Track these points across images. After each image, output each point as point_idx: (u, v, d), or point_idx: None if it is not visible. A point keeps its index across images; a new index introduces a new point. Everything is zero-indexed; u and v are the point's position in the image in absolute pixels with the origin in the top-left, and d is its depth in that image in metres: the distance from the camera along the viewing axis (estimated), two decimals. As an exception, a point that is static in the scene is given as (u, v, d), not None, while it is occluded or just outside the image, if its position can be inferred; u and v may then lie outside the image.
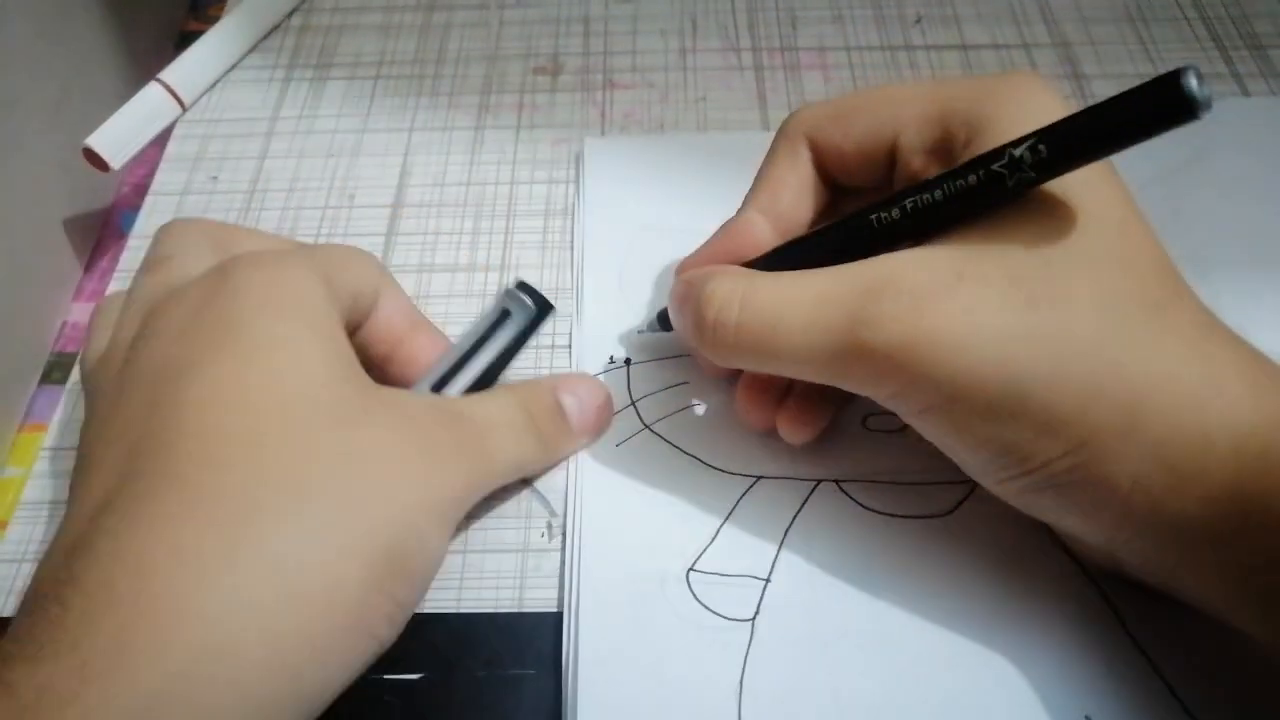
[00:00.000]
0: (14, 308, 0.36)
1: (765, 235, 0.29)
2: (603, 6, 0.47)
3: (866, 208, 0.26)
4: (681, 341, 0.30)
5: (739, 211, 0.30)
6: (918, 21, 0.46)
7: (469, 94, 0.44)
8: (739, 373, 0.31)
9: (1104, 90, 0.41)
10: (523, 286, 0.32)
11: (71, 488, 0.25)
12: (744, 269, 0.28)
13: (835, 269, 0.25)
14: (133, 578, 0.21)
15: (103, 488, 0.23)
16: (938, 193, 0.25)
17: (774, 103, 0.43)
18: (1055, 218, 0.24)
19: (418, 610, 0.29)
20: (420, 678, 0.28)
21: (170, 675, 0.20)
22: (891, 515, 0.30)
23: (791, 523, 0.30)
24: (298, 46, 0.46)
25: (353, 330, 0.29)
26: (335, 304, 0.27)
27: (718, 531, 0.30)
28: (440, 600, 0.29)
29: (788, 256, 0.28)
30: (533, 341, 0.35)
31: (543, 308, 0.32)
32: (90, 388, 0.28)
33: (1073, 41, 0.44)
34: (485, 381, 0.31)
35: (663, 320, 0.32)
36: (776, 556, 0.29)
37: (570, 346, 0.35)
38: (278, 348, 0.25)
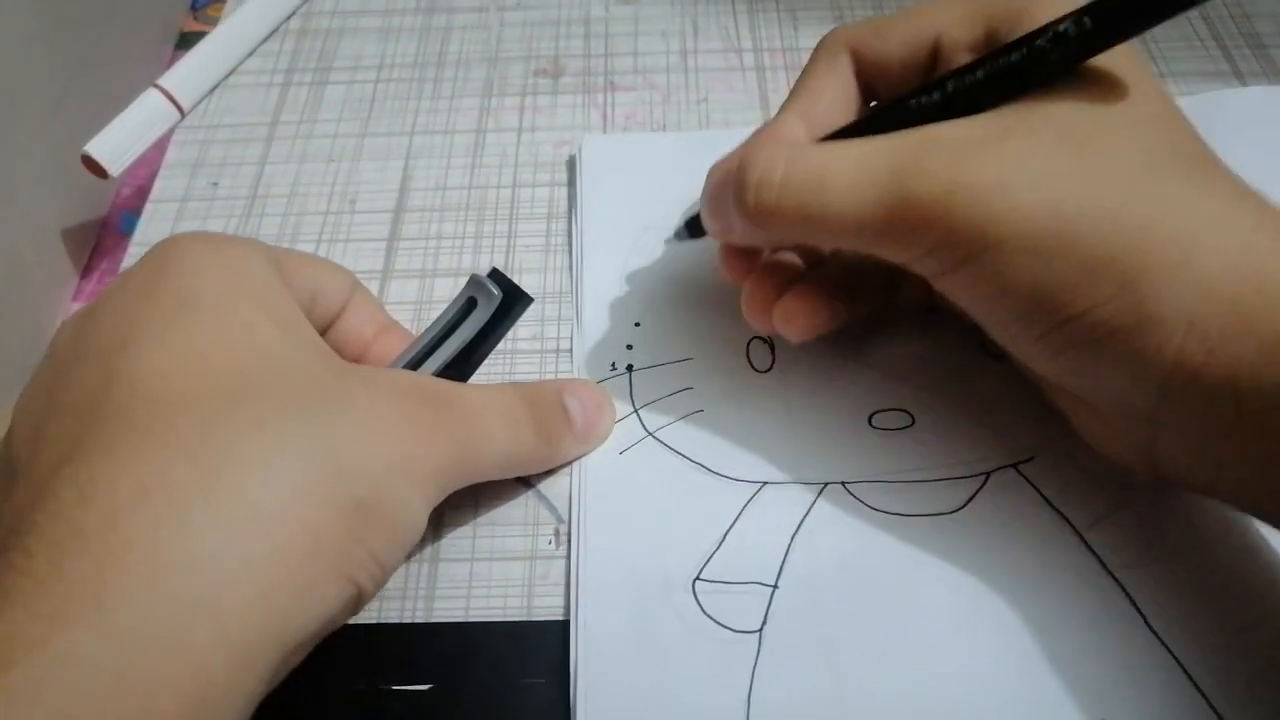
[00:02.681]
0: (13, 309, 0.36)
1: (801, 137, 0.29)
2: (603, 8, 0.47)
3: (907, 93, 0.26)
4: (716, 236, 0.30)
5: (775, 116, 0.30)
6: None
7: (470, 97, 0.43)
8: (763, 275, 0.30)
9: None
10: (493, 274, 0.31)
11: (14, 461, 0.24)
12: (789, 140, 0.28)
13: (881, 135, 0.25)
14: (103, 522, 0.20)
15: (58, 452, 0.22)
16: (980, 72, 0.25)
17: (776, 104, 0.41)
18: (1098, 86, 0.24)
19: (426, 620, 0.29)
20: (429, 688, 0.28)
21: (146, 618, 0.20)
22: (900, 515, 0.29)
23: (798, 527, 0.29)
24: (296, 50, 0.46)
25: (320, 332, 0.29)
26: (289, 292, 0.27)
27: (723, 538, 0.29)
28: (449, 609, 0.29)
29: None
30: (536, 345, 0.35)
31: (512, 296, 0.31)
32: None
33: (1075, 40, 0.44)
34: (457, 373, 0.30)
35: (691, 228, 0.32)
36: (784, 562, 0.29)
37: (571, 351, 0.35)
38: (233, 321, 0.25)
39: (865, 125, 0.27)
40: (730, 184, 0.27)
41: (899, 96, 0.26)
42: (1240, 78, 0.42)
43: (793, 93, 0.30)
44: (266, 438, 0.22)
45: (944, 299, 0.31)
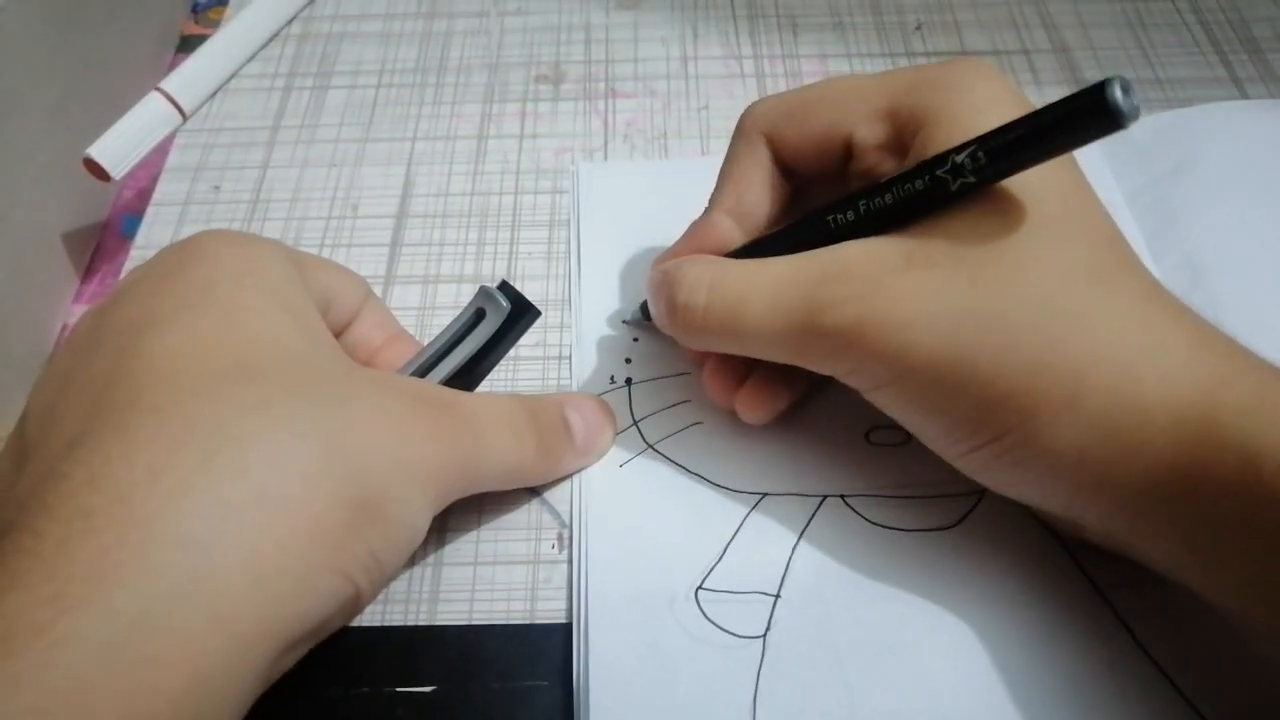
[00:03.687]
0: (14, 311, 0.36)
1: (731, 233, 0.30)
2: (604, 14, 0.47)
3: (824, 207, 0.28)
4: (660, 327, 0.31)
5: (705, 212, 0.32)
6: (918, 28, 0.46)
7: (471, 103, 0.44)
8: (722, 358, 0.32)
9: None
10: (502, 286, 0.31)
11: (26, 441, 0.24)
12: (715, 257, 0.30)
13: (796, 256, 0.27)
14: (112, 503, 0.20)
15: (70, 431, 0.22)
16: (888, 196, 0.26)
17: (776, 110, 0.43)
18: (1002, 201, 0.25)
19: (430, 623, 0.29)
20: (433, 690, 0.28)
21: (150, 599, 0.20)
22: (898, 529, 0.30)
23: (799, 539, 0.30)
24: (298, 55, 0.46)
25: (333, 335, 0.29)
26: (307, 292, 0.27)
27: (725, 549, 0.30)
28: (452, 612, 0.29)
29: (753, 253, 0.29)
30: (539, 352, 0.35)
31: (521, 308, 0.31)
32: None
33: (1073, 47, 0.44)
34: (463, 383, 0.30)
35: (645, 310, 0.33)
36: (785, 572, 0.29)
37: (570, 359, 0.35)
38: (250, 311, 0.25)
39: (787, 237, 0.29)
40: (665, 286, 0.29)
41: (818, 211, 0.28)
42: (1237, 83, 0.42)
43: (719, 182, 0.32)
44: (275, 422, 0.23)
45: None
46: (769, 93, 0.43)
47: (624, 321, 0.35)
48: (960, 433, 0.26)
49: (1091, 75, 0.43)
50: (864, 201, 0.27)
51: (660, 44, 0.46)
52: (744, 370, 0.31)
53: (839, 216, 0.27)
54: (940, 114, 0.26)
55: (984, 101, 0.26)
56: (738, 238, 0.30)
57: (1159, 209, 0.37)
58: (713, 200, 0.32)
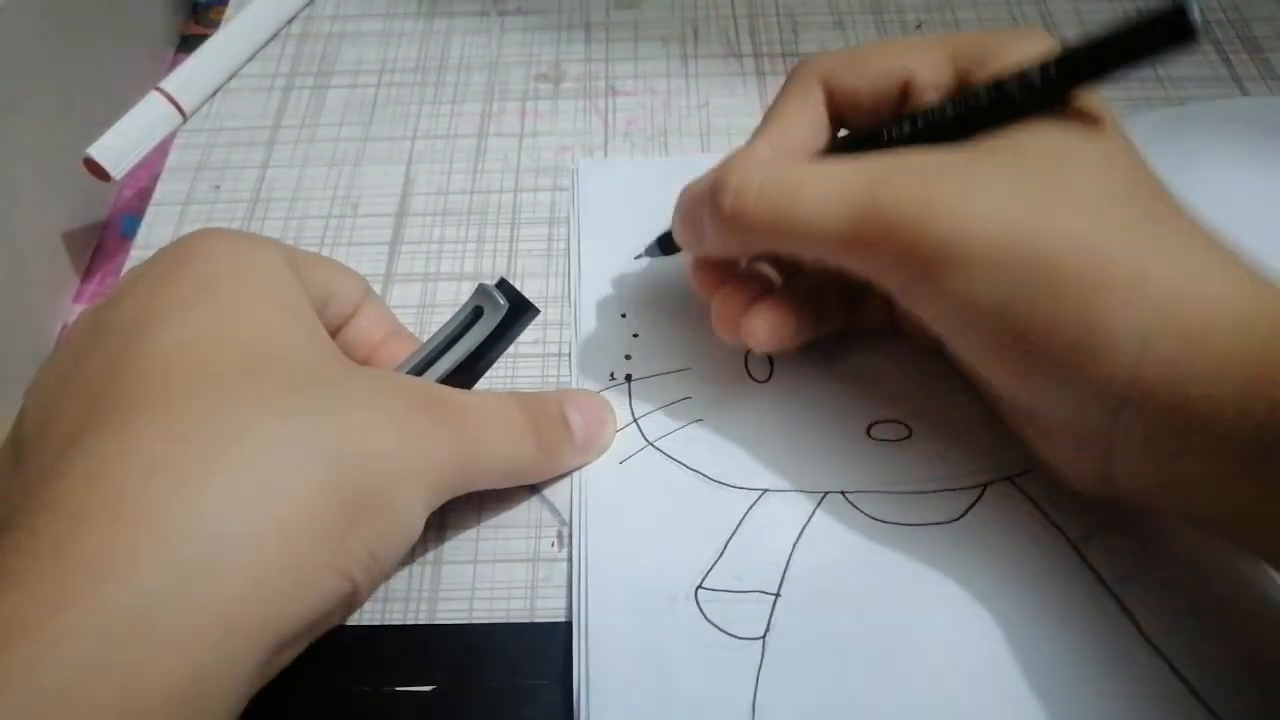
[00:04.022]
0: (14, 311, 0.36)
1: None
2: (604, 13, 0.47)
3: (879, 125, 0.28)
4: (687, 252, 0.31)
5: (747, 143, 0.30)
6: (918, 27, 0.46)
7: (471, 102, 0.44)
8: (732, 288, 0.31)
9: (1108, 93, 0.41)
10: (501, 285, 0.31)
11: (22, 440, 0.24)
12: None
13: (853, 156, 0.26)
14: (108, 500, 0.20)
15: (67, 429, 0.22)
16: (950, 109, 0.26)
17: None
18: (1062, 125, 0.25)
19: (430, 621, 0.29)
20: (433, 689, 0.28)
21: (147, 596, 0.20)
22: (900, 524, 0.30)
23: (799, 536, 0.30)
24: (298, 54, 0.46)
25: (330, 334, 0.29)
26: (304, 290, 0.27)
27: (725, 547, 0.29)
28: (452, 611, 0.29)
29: None
30: (538, 350, 0.35)
31: (519, 306, 0.31)
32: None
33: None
34: (461, 380, 0.30)
35: (663, 244, 0.33)
36: (785, 570, 0.29)
37: (570, 356, 0.35)
38: (248, 310, 0.25)
39: (838, 150, 0.29)
40: (705, 197, 0.28)
41: (871, 128, 0.28)
42: (1238, 81, 0.42)
43: (766, 119, 0.30)
44: (273, 420, 0.23)
45: (906, 322, 0.32)
46: (770, 92, 0.43)
47: (636, 257, 0.35)
48: (1013, 321, 0.24)
49: (1092, 73, 0.43)
50: (923, 116, 0.26)
51: (660, 43, 0.46)
52: (755, 300, 0.31)
53: (895, 130, 0.27)
54: (1001, 54, 0.27)
55: (1042, 49, 0.26)
56: None
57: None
58: (757, 133, 0.30)
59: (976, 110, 0.26)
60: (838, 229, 0.26)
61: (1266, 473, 0.22)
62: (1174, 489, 0.25)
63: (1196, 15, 0.23)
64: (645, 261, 0.36)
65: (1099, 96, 0.26)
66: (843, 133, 0.31)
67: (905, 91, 0.28)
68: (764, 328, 0.30)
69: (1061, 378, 0.25)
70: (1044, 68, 0.25)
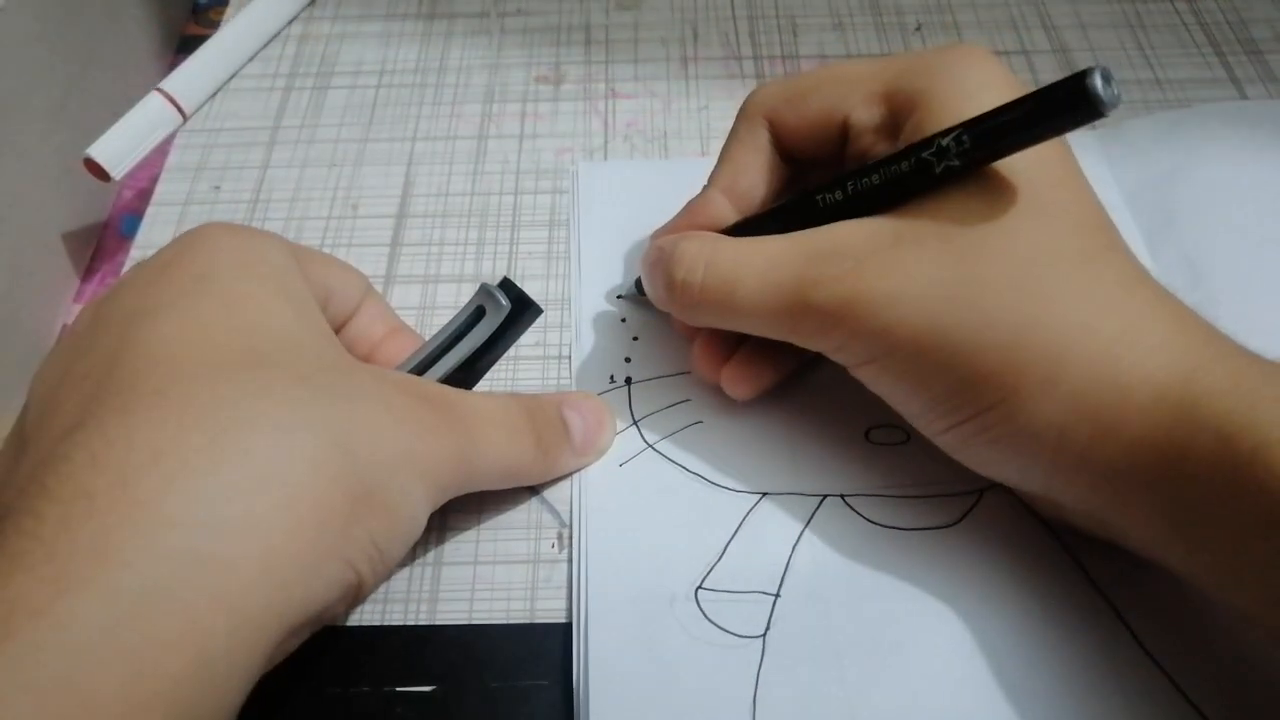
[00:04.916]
0: (14, 311, 0.36)
1: (725, 212, 0.31)
2: (604, 15, 0.47)
3: (814, 188, 0.28)
4: (655, 302, 0.32)
5: (703, 189, 0.32)
6: (918, 29, 0.46)
7: (471, 103, 0.44)
8: (711, 334, 0.32)
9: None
10: (504, 284, 0.31)
11: (26, 430, 0.24)
12: (710, 234, 0.30)
13: (789, 235, 0.28)
14: (114, 484, 0.20)
15: (70, 417, 0.22)
16: (875, 177, 0.27)
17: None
18: (991, 183, 0.26)
19: (430, 622, 0.29)
20: (433, 689, 0.28)
21: (152, 580, 0.20)
22: (898, 528, 0.30)
23: (799, 538, 0.30)
24: (298, 55, 0.46)
25: (333, 330, 0.29)
26: (307, 285, 0.27)
27: (725, 548, 0.29)
28: (452, 611, 0.29)
29: (745, 232, 0.30)
30: (539, 351, 0.35)
31: (521, 306, 0.31)
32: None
33: (1072, 48, 0.44)
34: (462, 380, 0.30)
35: (639, 286, 0.34)
36: (785, 571, 0.29)
37: (570, 358, 0.35)
38: (251, 300, 0.25)
39: (779, 217, 0.30)
40: (662, 262, 0.30)
41: (806, 191, 0.29)
42: (1236, 84, 0.42)
43: (719, 162, 0.32)
44: (278, 408, 0.23)
45: None
46: (769, 93, 0.43)
47: (619, 297, 0.36)
48: (942, 409, 0.26)
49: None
50: (852, 182, 0.27)
51: (660, 45, 0.46)
52: (733, 347, 0.32)
53: (828, 196, 0.28)
54: (932, 97, 0.27)
55: (976, 86, 0.26)
56: (731, 216, 0.31)
57: (1158, 209, 0.37)
58: (711, 179, 0.32)
59: (902, 177, 0.26)
60: (775, 320, 0.28)
61: (1186, 540, 0.24)
62: (1118, 537, 0.26)
63: (1098, 85, 0.22)
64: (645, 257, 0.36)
65: (1052, 143, 0.25)
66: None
67: (844, 130, 0.29)
68: (743, 380, 0.31)
69: (993, 455, 0.27)
70: (958, 138, 0.25)
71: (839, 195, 0.28)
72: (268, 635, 0.22)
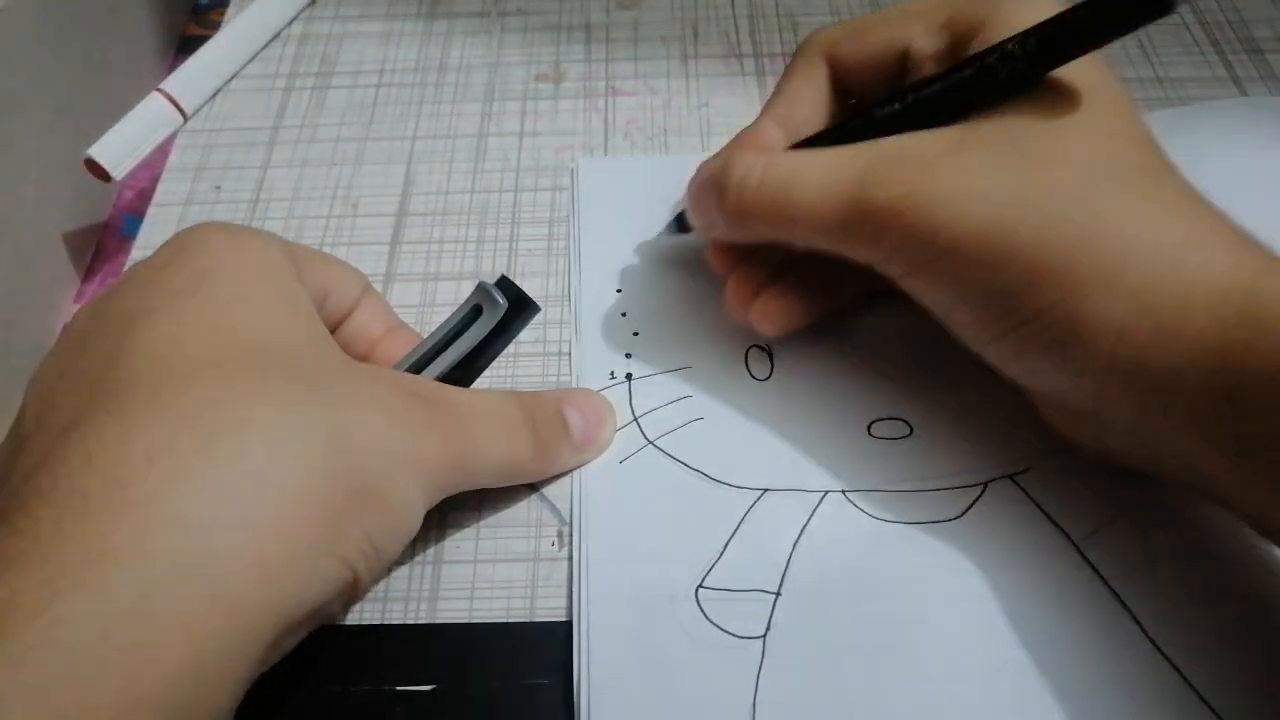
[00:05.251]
0: (15, 311, 0.36)
1: (778, 141, 0.31)
2: (604, 13, 0.47)
3: (872, 103, 0.28)
4: (700, 231, 0.32)
5: (755, 120, 0.32)
6: (918, 27, 0.46)
7: (471, 101, 0.44)
8: (745, 271, 0.32)
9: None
10: (501, 282, 0.31)
11: (23, 431, 0.24)
12: (766, 147, 0.30)
13: (849, 146, 0.27)
14: (109, 484, 0.20)
15: (66, 417, 0.22)
16: (937, 85, 0.27)
17: (776, 109, 0.43)
18: (1053, 95, 0.26)
19: (430, 620, 0.29)
20: (433, 688, 0.28)
21: (148, 580, 0.20)
22: (900, 523, 0.30)
23: (800, 535, 0.30)
24: (298, 55, 0.46)
25: (329, 330, 0.29)
26: (303, 284, 0.27)
27: (725, 546, 0.29)
28: (452, 610, 0.29)
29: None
30: (538, 349, 0.35)
31: (519, 304, 0.31)
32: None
33: (1073, 46, 0.44)
34: (460, 378, 0.30)
35: (681, 223, 0.34)
36: (786, 569, 0.29)
37: (570, 354, 0.35)
38: (246, 300, 0.25)
39: (835, 134, 0.29)
40: (713, 184, 0.30)
41: (864, 106, 0.28)
42: (1237, 83, 0.42)
43: (773, 96, 0.32)
44: (273, 408, 0.23)
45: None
46: (770, 91, 0.43)
47: (658, 235, 0.36)
48: (998, 312, 0.26)
49: (1092, 74, 0.43)
50: (912, 93, 0.27)
51: (660, 43, 0.46)
52: (767, 284, 0.32)
53: (886, 108, 0.28)
54: (995, 23, 0.27)
55: (1036, 12, 0.26)
56: (783, 146, 0.31)
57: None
58: (765, 109, 0.32)
59: (963, 86, 0.26)
60: (833, 223, 0.27)
61: (1236, 449, 0.23)
62: (1162, 460, 0.26)
63: None
64: (645, 262, 0.36)
65: (1093, 61, 0.26)
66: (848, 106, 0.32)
67: (904, 61, 0.29)
68: (774, 315, 0.31)
69: (1046, 362, 0.26)
70: (1024, 40, 0.25)
71: (898, 106, 0.28)
72: (263, 634, 0.22)
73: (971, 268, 0.25)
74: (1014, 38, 0.25)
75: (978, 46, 0.27)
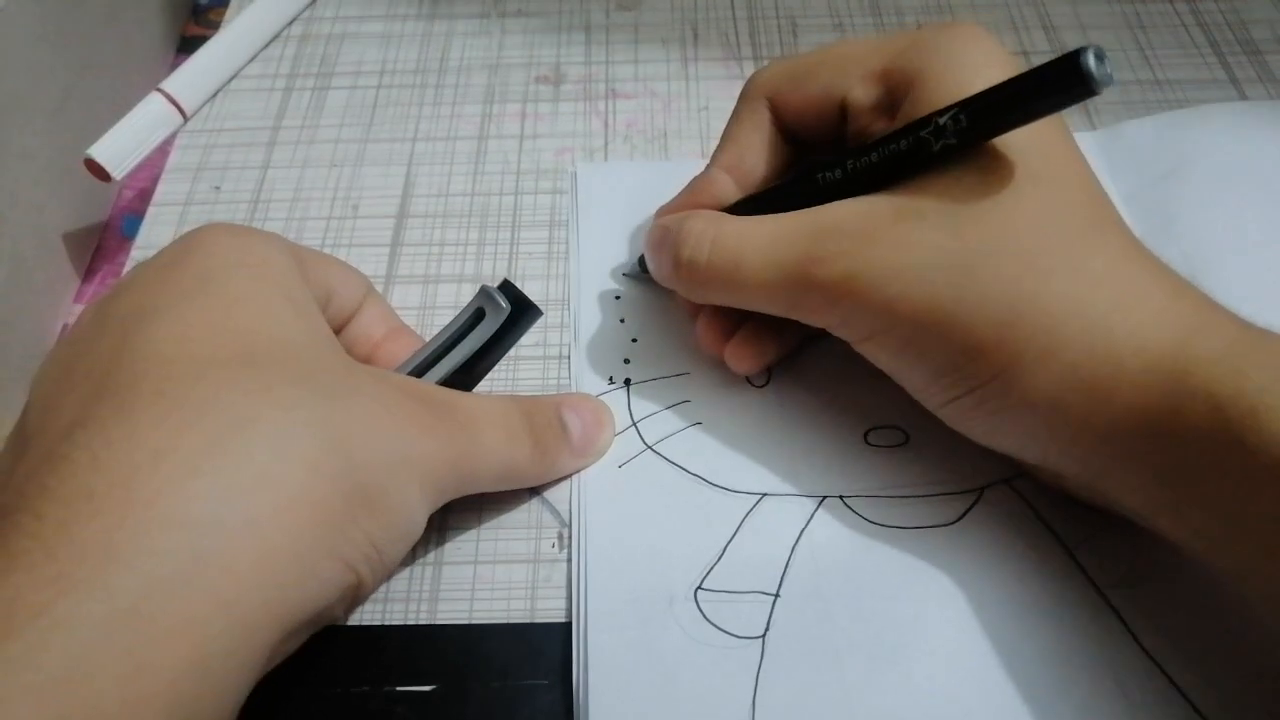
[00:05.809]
0: (14, 312, 0.36)
1: (728, 190, 0.32)
2: (604, 15, 0.47)
3: (814, 165, 0.29)
4: (660, 280, 0.32)
5: (706, 168, 0.33)
6: (918, 29, 0.46)
7: (471, 103, 0.44)
8: (715, 310, 0.32)
9: (1107, 97, 0.41)
10: (504, 286, 0.31)
11: (27, 431, 0.24)
12: (713, 213, 0.31)
13: (792, 214, 0.28)
14: (114, 484, 0.20)
15: (71, 416, 0.22)
16: (874, 155, 0.27)
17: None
18: (988, 159, 0.26)
19: (430, 621, 0.29)
20: (433, 689, 0.28)
21: (152, 580, 0.20)
22: (898, 528, 0.30)
23: (798, 539, 0.30)
24: (299, 55, 0.46)
25: (333, 331, 0.29)
26: (308, 285, 0.27)
27: (724, 549, 0.30)
28: (452, 611, 0.29)
29: (747, 210, 0.30)
30: (539, 352, 0.35)
31: (521, 308, 0.31)
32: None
33: (1072, 49, 0.44)
34: (462, 381, 0.30)
35: (643, 264, 0.34)
36: (784, 572, 0.29)
37: (569, 359, 0.35)
38: (251, 301, 0.25)
39: (780, 195, 0.30)
40: (666, 248, 0.31)
41: (807, 168, 0.29)
42: (1236, 84, 0.42)
43: (721, 142, 0.33)
44: (278, 409, 0.23)
45: None
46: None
47: (624, 274, 0.36)
48: (942, 382, 0.27)
49: (1090, 76, 0.43)
50: (852, 161, 0.28)
51: (660, 45, 0.46)
52: (736, 322, 0.32)
53: (828, 174, 0.28)
54: (929, 76, 0.27)
55: (973, 64, 0.27)
56: (734, 194, 0.32)
57: (1157, 210, 0.37)
58: (714, 158, 0.33)
59: (900, 155, 0.26)
60: (781, 297, 0.28)
61: (1179, 502, 0.24)
62: (1119, 505, 0.27)
63: (1091, 64, 0.22)
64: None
65: (1050, 121, 0.25)
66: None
67: (843, 110, 0.30)
68: (747, 357, 0.32)
69: (989, 426, 0.27)
70: (955, 117, 0.25)
71: (839, 174, 0.28)
72: (266, 635, 0.22)
73: (913, 341, 0.26)
74: (945, 111, 0.25)
75: (911, 105, 0.27)
